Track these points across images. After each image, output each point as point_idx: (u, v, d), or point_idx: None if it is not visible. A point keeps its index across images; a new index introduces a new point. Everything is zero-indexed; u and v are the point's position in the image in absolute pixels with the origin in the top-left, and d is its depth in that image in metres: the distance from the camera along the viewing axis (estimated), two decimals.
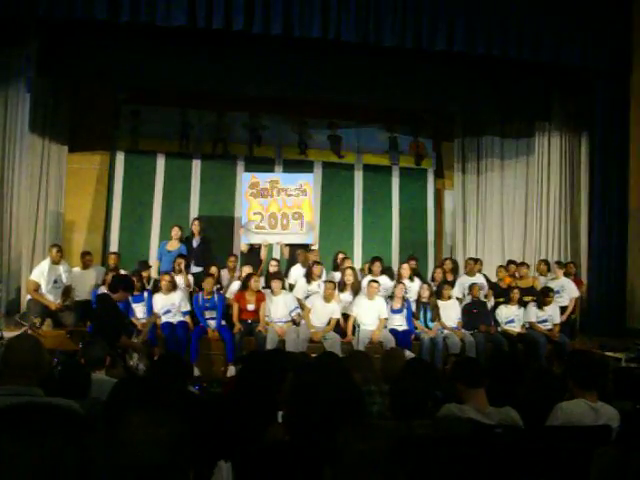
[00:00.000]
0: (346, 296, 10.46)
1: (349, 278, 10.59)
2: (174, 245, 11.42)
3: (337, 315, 10.04)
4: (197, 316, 9.82)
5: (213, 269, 10.74)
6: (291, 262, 11.60)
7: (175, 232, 11.48)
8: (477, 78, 11.72)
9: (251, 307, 9.90)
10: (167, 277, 9.97)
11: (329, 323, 9.95)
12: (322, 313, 9.97)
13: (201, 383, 7.55)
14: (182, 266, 10.60)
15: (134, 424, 1.88)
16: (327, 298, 9.99)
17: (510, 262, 12.03)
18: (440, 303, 10.46)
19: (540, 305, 10.49)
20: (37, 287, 9.81)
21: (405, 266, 11.16)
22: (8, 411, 1.14)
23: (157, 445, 1.82)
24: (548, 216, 12.77)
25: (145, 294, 9.91)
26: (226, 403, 3.77)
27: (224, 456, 2.43)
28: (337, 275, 11.08)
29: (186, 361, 5.60)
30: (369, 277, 10.81)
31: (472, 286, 10.88)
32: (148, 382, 3.03)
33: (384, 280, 10.97)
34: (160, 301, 9.79)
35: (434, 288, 10.82)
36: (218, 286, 10.43)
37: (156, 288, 10.12)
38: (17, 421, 1.12)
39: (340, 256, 11.76)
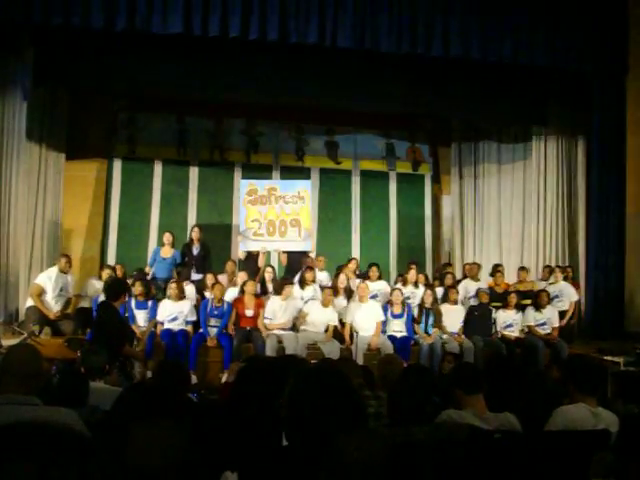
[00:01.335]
0: (340, 300, 10.46)
1: (343, 282, 10.60)
2: (168, 252, 11.42)
3: (334, 321, 10.02)
4: (201, 322, 9.80)
5: (210, 277, 10.69)
6: (289, 269, 11.59)
7: (167, 238, 11.48)
8: (473, 83, 11.71)
9: (249, 313, 9.87)
10: (175, 285, 9.96)
11: (327, 330, 9.93)
12: (319, 319, 9.95)
13: (199, 390, 7.54)
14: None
15: (139, 433, 1.88)
16: (325, 304, 9.98)
17: (497, 265, 12.10)
18: (446, 307, 10.44)
19: (538, 307, 10.48)
20: (41, 292, 9.80)
21: (413, 272, 11.18)
22: (8, 430, 1.14)
23: (162, 453, 1.82)
24: (546, 220, 12.78)
25: (149, 302, 9.90)
26: (224, 410, 3.75)
27: (229, 466, 2.42)
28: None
29: (185, 368, 5.60)
30: (357, 281, 10.87)
31: (479, 291, 10.88)
32: (152, 391, 3.03)
33: (382, 286, 10.98)
34: (168, 308, 9.77)
35: (438, 294, 10.85)
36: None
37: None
38: (18, 441, 1.12)
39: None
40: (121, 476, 1.10)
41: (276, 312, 9.97)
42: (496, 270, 11.77)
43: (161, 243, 12.00)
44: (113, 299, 7.56)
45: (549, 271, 11.73)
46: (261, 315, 9.95)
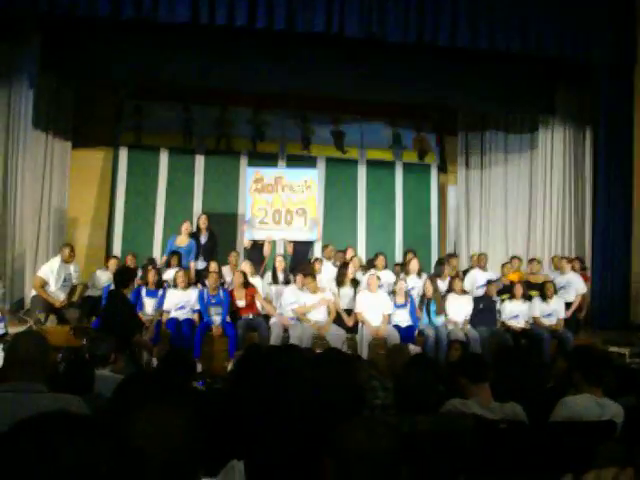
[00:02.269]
0: (347, 290, 10.45)
1: (351, 272, 10.60)
2: (183, 241, 11.41)
3: (329, 297, 10.03)
4: (202, 312, 9.81)
5: (213, 265, 10.72)
6: (295, 258, 11.60)
7: (186, 227, 11.45)
8: (480, 72, 11.67)
9: (241, 303, 9.87)
10: (182, 273, 9.98)
11: (329, 314, 9.94)
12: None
13: (205, 379, 7.56)
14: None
15: (142, 420, 1.88)
16: (312, 290, 9.98)
17: (514, 257, 12.03)
18: (453, 297, 10.38)
19: (544, 298, 10.45)
20: (44, 284, 9.81)
21: (414, 262, 11.14)
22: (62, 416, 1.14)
23: (166, 441, 1.81)
24: (552, 210, 12.76)
25: (160, 291, 9.91)
26: (227, 399, 3.76)
27: (235, 455, 2.42)
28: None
29: (190, 357, 5.61)
30: (371, 271, 10.83)
31: (489, 283, 10.83)
32: (155, 378, 3.03)
33: (388, 275, 10.96)
34: (176, 296, 9.78)
35: (444, 283, 10.81)
36: (221, 280, 10.42)
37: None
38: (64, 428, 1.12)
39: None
40: (122, 462, 1.10)
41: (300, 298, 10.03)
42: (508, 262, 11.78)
43: (168, 231, 12.01)
44: (123, 287, 7.56)
45: (558, 261, 11.71)
46: (260, 296, 10.01)
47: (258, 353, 4.55)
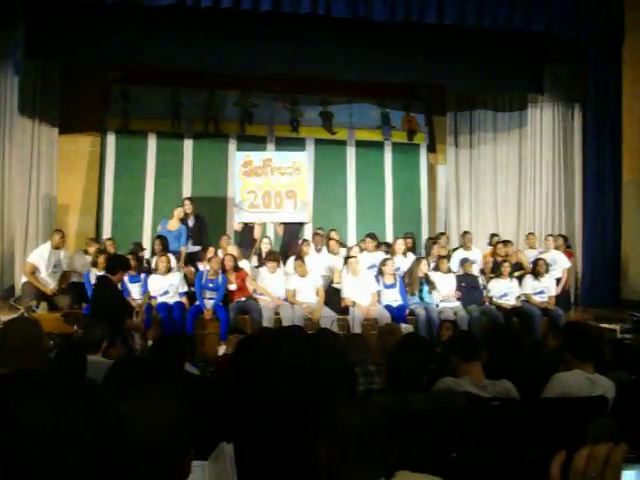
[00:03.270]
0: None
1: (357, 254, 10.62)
2: (174, 225, 11.37)
3: (320, 283, 10.06)
4: (196, 294, 9.79)
5: (212, 250, 10.70)
6: (285, 240, 11.60)
7: (178, 212, 11.43)
8: (468, 50, 11.62)
9: (232, 287, 9.87)
10: (164, 258, 9.93)
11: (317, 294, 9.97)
12: (305, 289, 9.98)
13: (197, 362, 7.56)
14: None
15: (130, 405, 1.87)
16: (301, 274, 10.00)
17: (493, 235, 12.08)
18: (438, 276, 10.42)
19: (536, 276, 10.49)
20: (34, 270, 9.77)
21: (400, 242, 11.16)
22: (24, 376, 1.11)
23: (154, 426, 1.81)
24: (542, 188, 12.77)
25: (142, 275, 9.87)
26: (221, 383, 3.76)
27: (225, 437, 2.42)
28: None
29: (190, 340, 5.61)
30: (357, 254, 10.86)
31: (464, 261, 10.90)
32: (145, 363, 3.03)
33: (380, 256, 10.96)
34: (158, 282, 9.76)
35: (432, 263, 10.83)
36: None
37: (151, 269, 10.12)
38: (33, 386, 1.09)
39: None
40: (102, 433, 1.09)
41: (268, 283, 10.03)
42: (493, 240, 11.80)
43: (157, 216, 11.97)
44: (112, 273, 7.53)
45: (533, 238, 11.76)
46: (250, 279, 10.06)
47: (255, 339, 4.55)
